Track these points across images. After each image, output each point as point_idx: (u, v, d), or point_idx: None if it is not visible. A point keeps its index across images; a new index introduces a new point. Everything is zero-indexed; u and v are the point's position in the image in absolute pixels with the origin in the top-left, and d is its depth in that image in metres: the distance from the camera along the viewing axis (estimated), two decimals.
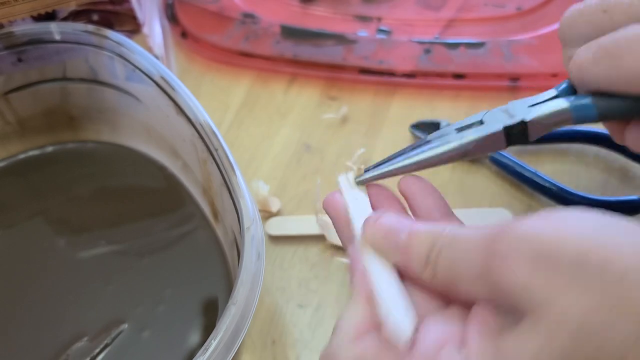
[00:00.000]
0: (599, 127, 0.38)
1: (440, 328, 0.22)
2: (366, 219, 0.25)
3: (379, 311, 0.23)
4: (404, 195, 0.27)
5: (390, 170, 0.28)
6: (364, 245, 0.25)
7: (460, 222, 0.26)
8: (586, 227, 0.19)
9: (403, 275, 0.24)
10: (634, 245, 0.19)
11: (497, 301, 0.21)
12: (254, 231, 0.27)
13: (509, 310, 0.20)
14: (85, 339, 0.31)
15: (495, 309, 0.21)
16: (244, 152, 0.40)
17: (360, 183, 0.28)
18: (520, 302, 0.20)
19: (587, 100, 0.26)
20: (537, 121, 0.27)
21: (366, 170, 0.28)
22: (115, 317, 0.32)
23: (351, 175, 0.28)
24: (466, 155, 0.28)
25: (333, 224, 0.27)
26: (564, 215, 0.20)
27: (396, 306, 0.23)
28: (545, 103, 0.27)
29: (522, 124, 0.27)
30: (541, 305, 0.19)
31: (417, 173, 0.28)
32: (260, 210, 0.35)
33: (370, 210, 0.26)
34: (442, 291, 0.23)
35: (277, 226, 0.36)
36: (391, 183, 0.28)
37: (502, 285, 0.20)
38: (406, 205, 0.27)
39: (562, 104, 0.27)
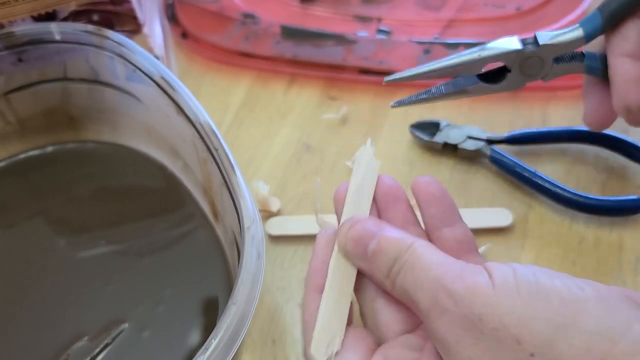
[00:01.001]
0: None
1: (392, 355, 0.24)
2: (340, 225, 0.27)
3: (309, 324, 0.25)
4: (414, 196, 0.28)
5: (415, 75, 0.32)
6: (337, 250, 0.26)
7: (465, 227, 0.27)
8: (514, 302, 0.21)
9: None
10: (548, 323, 0.20)
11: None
12: (254, 231, 0.27)
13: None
14: (86, 338, 0.31)
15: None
16: (244, 152, 0.40)
17: (387, 82, 0.32)
18: (448, 354, 0.22)
19: (594, 12, 0.31)
20: (550, 42, 0.31)
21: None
22: (115, 316, 0.32)
23: (371, 147, 0.28)
24: (482, 57, 0.31)
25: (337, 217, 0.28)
26: (506, 281, 0.22)
27: (325, 329, 0.25)
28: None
29: (536, 43, 0.31)
30: None
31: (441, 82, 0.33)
32: (260, 210, 0.35)
33: (369, 202, 0.27)
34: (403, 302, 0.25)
35: (277, 226, 0.36)
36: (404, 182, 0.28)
37: (434, 332, 0.22)
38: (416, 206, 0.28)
39: (573, 26, 0.32)
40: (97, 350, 0.31)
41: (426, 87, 0.34)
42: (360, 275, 0.26)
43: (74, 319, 0.32)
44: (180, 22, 0.46)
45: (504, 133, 0.39)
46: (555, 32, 0.32)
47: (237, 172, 0.29)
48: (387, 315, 0.25)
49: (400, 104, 0.34)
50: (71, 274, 0.34)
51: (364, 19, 0.45)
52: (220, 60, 0.44)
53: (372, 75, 0.42)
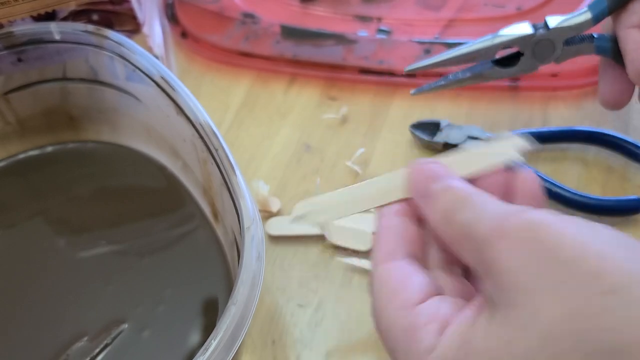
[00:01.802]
0: (598, 127, 0.38)
1: (442, 306, 0.23)
2: (417, 161, 0.26)
3: None
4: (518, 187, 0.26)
5: (432, 64, 0.35)
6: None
7: None
8: (593, 237, 0.19)
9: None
10: (635, 263, 0.18)
11: (485, 285, 0.21)
12: (254, 231, 0.27)
13: (491, 300, 0.21)
14: (85, 338, 0.31)
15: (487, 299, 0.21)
16: (244, 152, 0.40)
17: (409, 72, 0.36)
18: (503, 288, 0.20)
19: None
20: (560, 25, 0.33)
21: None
22: (115, 317, 0.32)
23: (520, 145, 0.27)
24: (495, 43, 0.34)
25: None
26: (578, 221, 0.20)
27: (330, 199, 0.27)
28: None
29: (546, 27, 0.34)
30: (520, 297, 0.19)
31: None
32: (260, 210, 0.35)
33: (470, 170, 0.26)
34: (452, 250, 0.24)
35: (277, 226, 0.36)
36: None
37: (493, 265, 0.20)
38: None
39: (581, 10, 0.34)
40: (97, 350, 0.31)
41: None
42: None
43: (73, 319, 0.32)
44: (180, 21, 0.46)
45: (504, 133, 0.39)
46: (565, 16, 0.34)
47: (237, 172, 0.29)
48: (442, 277, 0.25)
49: (419, 91, 0.37)
50: (71, 274, 0.34)
51: (364, 19, 0.45)
52: (220, 60, 0.44)
53: (372, 75, 0.42)
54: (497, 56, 0.35)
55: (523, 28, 0.34)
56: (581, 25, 0.34)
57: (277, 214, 0.37)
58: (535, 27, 0.34)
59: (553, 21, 0.34)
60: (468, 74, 0.36)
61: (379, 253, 0.25)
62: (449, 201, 0.24)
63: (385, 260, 0.25)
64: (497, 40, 0.34)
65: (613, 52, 0.34)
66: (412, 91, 0.37)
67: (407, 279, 0.24)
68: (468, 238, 0.22)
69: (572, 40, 0.34)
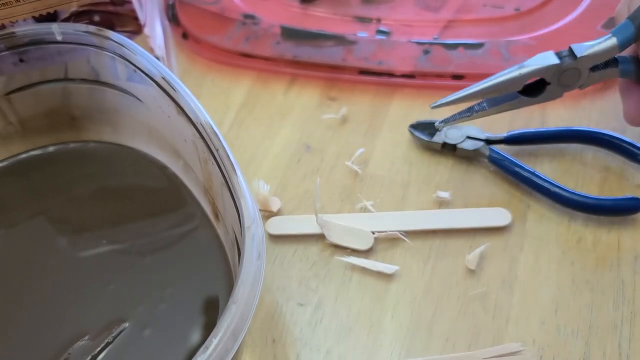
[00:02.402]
0: (596, 128, 0.38)
1: None
2: None
3: None
4: None
5: (459, 98, 0.34)
6: None
7: None
8: None
9: None
10: None
11: None
12: (255, 230, 0.27)
13: None
14: (87, 337, 0.32)
15: None
16: (244, 152, 0.40)
17: (435, 107, 0.35)
18: None
19: (625, 22, 0.33)
20: (587, 53, 0.33)
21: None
22: (116, 316, 0.32)
23: None
24: (523, 75, 0.34)
25: None
26: None
27: None
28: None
29: (572, 55, 0.34)
30: None
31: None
32: (260, 210, 0.36)
33: None
34: None
35: (277, 226, 0.36)
36: None
37: None
38: None
39: (606, 36, 0.34)
40: (98, 349, 0.31)
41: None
42: None
43: (75, 318, 0.32)
44: (181, 22, 0.46)
45: (503, 133, 0.39)
46: (590, 43, 0.34)
47: (238, 172, 0.29)
48: None
49: (445, 122, 0.37)
50: (72, 274, 0.34)
51: (363, 20, 0.45)
52: (220, 61, 0.45)
53: (372, 75, 0.43)
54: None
55: (549, 58, 0.34)
56: (608, 52, 0.34)
57: (277, 213, 0.37)
58: (559, 55, 0.34)
59: (579, 50, 0.34)
60: (493, 104, 0.35)
61: None
62: None
63: None
64: (524, 72, 0.34)
65: (637, 74, 0.34)
66: (436, 124, 0.37)
67: None
68: None
69: (597, 66, 0.34)
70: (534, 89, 0.35)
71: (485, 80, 0.34)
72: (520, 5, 0.45)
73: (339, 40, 0.44)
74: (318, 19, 0.45)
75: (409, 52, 0.43)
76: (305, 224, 0.36)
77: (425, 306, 0.33)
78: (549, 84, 0.35)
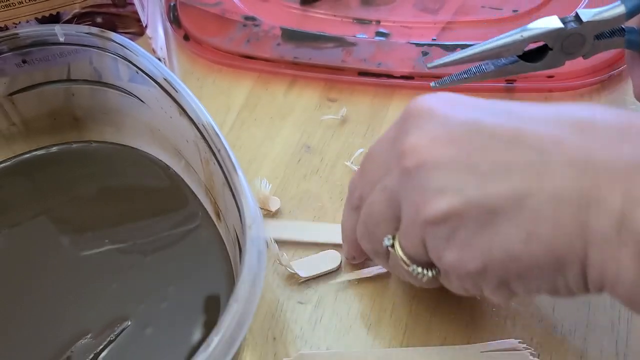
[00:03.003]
0: None
1: None
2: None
3: None
4: None
5: (458, 59, 0.33)
6: None
7: None
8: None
9: None
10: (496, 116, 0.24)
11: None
12: (256, 230, 0.28)
13: None
14: (89, 336, 0.32)
15: None
16: (245, 153, 0.40)
17: (432, 68, 0.34)
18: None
19: None
20: (593, 19, 0.32)
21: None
22: (118, 314, 0.32)
23: None
24: (524, 37, 0.32)
25: None
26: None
27: None
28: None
29: (578, 20, 0.32)
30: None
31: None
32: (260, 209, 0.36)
33: None
34: None
35: (274, 230, 0.36)
36: None
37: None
38: None
39: (614, 3, 0.32)
40: (101, 347, 0.31)
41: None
42: None
43: (77, 317, 0.33)
44: (183, 24, 0.46)
45: None
46: (597, 10, 0.32)
47: (239, 171, 0.29)
48: None
49: (441, 84, 0.35)
50: (75, 272, 0.34)
51: (363, 22, 0.46)
52: (222, 62, 0.45)
53: (371, 76, 0.43)
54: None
55: (553, 22, 0.32)
56: (615, 20, 0.32)
57: (276, 214, 0.37)
58: (564, 20, 0.33)
59: (585, 15, 0.32)
60: (492, 67, 0.34)
61: None
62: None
63: None
64: (527, 35, 0.32)
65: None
66: (432, 84, 0.36)
67: None
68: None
69: (602, 34, 0.33)
70: (536, 54, 0.34)
71: (485, 42, 0.33)
72: (519, 7, 0.45)
73: (339, 41, 0.44)
74: (318, 21, 0.46)
75: (407, 53, 0.43)
76: (301, 232, 0.36)
77: (424, 304, 0.33)
78: (551, 49, 0.33)
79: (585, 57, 0.34)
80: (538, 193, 0.22)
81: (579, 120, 0.23)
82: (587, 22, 0.32)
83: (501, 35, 0.33)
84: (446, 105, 0.26)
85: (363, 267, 0.35)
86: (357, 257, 0.33)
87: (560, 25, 0.32)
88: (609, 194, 0.21)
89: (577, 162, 0.22)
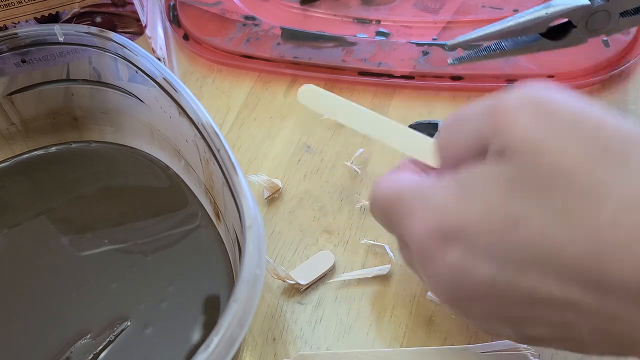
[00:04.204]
0: None
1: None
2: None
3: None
4: None
5: (480, 36, 0.32)
6: None
7: None
8: (587, 105, 0.22)
9: None
10: (616, 121, 0.21)
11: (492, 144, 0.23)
12: (255, 230, 0.28)
13: (496, 154, 0.22)
14: (89, 336, 0.32)
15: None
16: (245, 153, 0.40)
17: (452, 47, 0.33)
18: (510, 143, 0.22)
19: None
20: None
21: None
22: (118, 314, 0.32)
23: None
24: (549, 14, 0.31)
25: None
26: (556, 88, 0.22)
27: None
28: None
29: None
30: (529, 145, 0.21)
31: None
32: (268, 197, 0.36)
33: None
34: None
35: (310, 97, 0.32)
36: None
37: (502, 132, 0.22)
38: None
39: None
40: (100, 347, 0.31)
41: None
42: None
43: (77, 317, 0.33)
44: (182, 24, 0.46)
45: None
46: None
47: (239, 172, 0.29)
48: None
49: (460, 60, 0.34)
50: (75, 272, 0.34)
51: (363, 21, 0.46)
52: (221, 62, 0.45)
53: (371, 76, 0.43)
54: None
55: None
56: None
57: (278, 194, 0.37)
58: None
59: None
60: (512, 45, 0.33)
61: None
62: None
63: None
64: (551, 11, 0.31)
65: None
66: (450, 60, 0.34)
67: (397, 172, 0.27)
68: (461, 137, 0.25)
69: (627, 11, 0.32)
70: (558, 31, 0.33)
71: (508, 19, 0.32)
72: (519, 7, 0.45)
73: (339, 41, 0.44)
74: (318, 21, 0.46)
75: (408, 53, 0.43)
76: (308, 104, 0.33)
77: (424, 304, 0.33)
78: (575, 27, 0.32)
79: (607, 34, 0.33)
80: None
81: None
82: None
83: (524, 12, 0.32)
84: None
85: (362, 268, 0.35)
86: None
87: (586, 1, 0.31)
88: None
89: None
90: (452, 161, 0.25)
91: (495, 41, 0.33)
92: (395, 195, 0.26)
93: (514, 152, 0.21)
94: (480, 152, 0.23)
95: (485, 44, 0.33)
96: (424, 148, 0.28)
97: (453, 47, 0.32)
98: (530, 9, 0.31)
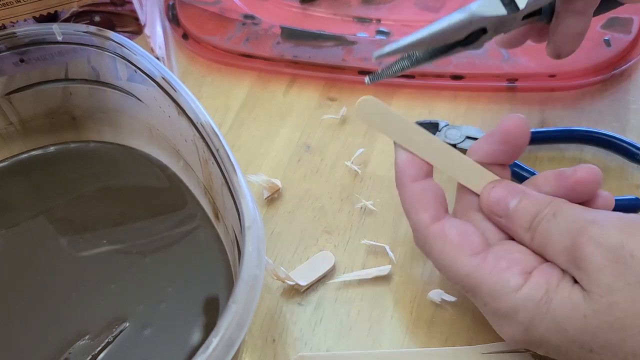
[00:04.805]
0: (596, 128, 0.39)
1: (512, 249, 0.28)
2: (483, 189, 0.30)
3: None
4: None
5: (407, 45, 0.31)
6: None
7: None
8: None
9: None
10: None
11: (570, 271, 0.26)
12: (255, 230, 0.27)
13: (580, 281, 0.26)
14: (87, 337, 0.32)
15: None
16: (244, 152, 0.40)
17: (378, 57, 0.31)
18: (591, 281, 0.25)
19: None
20: (530, 3, 0.31)
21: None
22: (116, 315, 0.32)
23: None
24: (472, 23, 0.31)
25: None
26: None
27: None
28: None
29: (514, 5, 0.31)
30: (603, 288, 0.25)
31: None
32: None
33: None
34: (536, 252, 0.28)
35: (371, 111, 0.31)
36: None
37: (580, 261, 0.25)
38: None
39: None
40: (99, 349, 0.31)
41: None
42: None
43: (76, 318, 0.32)
44: (181, 23, 0.46)
45: None
46: None
47: (238, 172, 0.29)
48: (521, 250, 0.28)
49: (375, 78, 0.32)
50: (73, 273, 0.34)
51: (363, 20, 0.45)
52: (221, 61, 0.45)
53: None
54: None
55: (496, 7, 0.31)
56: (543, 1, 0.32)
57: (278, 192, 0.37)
58: (503, 2, 0.31)
59: (521, 2, 0.31)
60: (422, 54, 0.32)
61: (424, 215, 0.29)
62: (528, 215, 0.28)
63: (434, 220, 0.29)
64: (475, 19, 0.31)
65: (547, 17, 0.34)
66: (366, 79, 0.32)
67: (463, 230, 0.29)
68: (550, 244, 0.27)
69: (527, 15, 0.33)
70: (469, 37, 0.32)
71: (429, 26, 0.31)
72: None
73: (339, 40, 0.44)
74: (318, 20, 0.45)
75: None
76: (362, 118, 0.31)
77: (425, 305, 0.33)
78: (486, 32, 0.32)
79: (505, 32, 0.34)
80: None
81: None
82: (526, 6, 0.31)
83: (444, 19, 0.31)
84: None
85: (362, 268, 0.35)
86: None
87: (504, 12, 0.31)
88: None
89: None
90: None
91: (407, 54, 0.33)
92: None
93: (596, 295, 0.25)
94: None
95: (399, 56, 0.33)
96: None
97: (379, 58, 0.31)
98: (450, 16, 0.31)
